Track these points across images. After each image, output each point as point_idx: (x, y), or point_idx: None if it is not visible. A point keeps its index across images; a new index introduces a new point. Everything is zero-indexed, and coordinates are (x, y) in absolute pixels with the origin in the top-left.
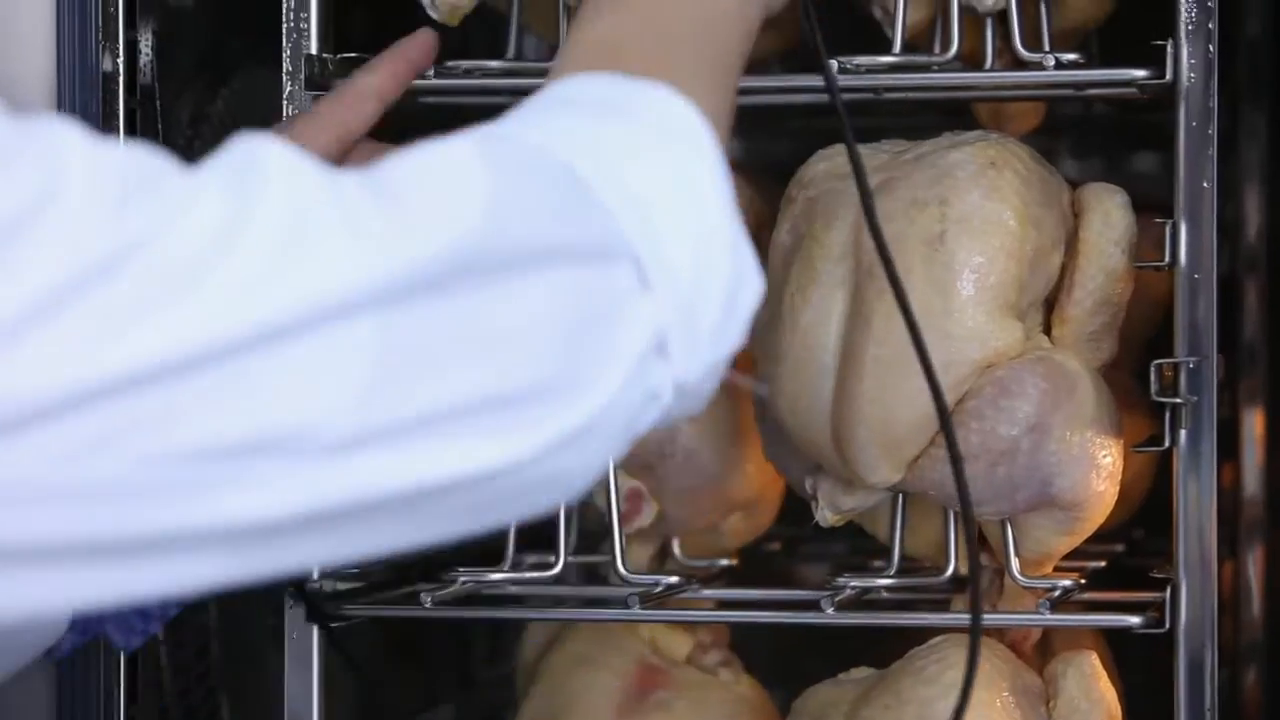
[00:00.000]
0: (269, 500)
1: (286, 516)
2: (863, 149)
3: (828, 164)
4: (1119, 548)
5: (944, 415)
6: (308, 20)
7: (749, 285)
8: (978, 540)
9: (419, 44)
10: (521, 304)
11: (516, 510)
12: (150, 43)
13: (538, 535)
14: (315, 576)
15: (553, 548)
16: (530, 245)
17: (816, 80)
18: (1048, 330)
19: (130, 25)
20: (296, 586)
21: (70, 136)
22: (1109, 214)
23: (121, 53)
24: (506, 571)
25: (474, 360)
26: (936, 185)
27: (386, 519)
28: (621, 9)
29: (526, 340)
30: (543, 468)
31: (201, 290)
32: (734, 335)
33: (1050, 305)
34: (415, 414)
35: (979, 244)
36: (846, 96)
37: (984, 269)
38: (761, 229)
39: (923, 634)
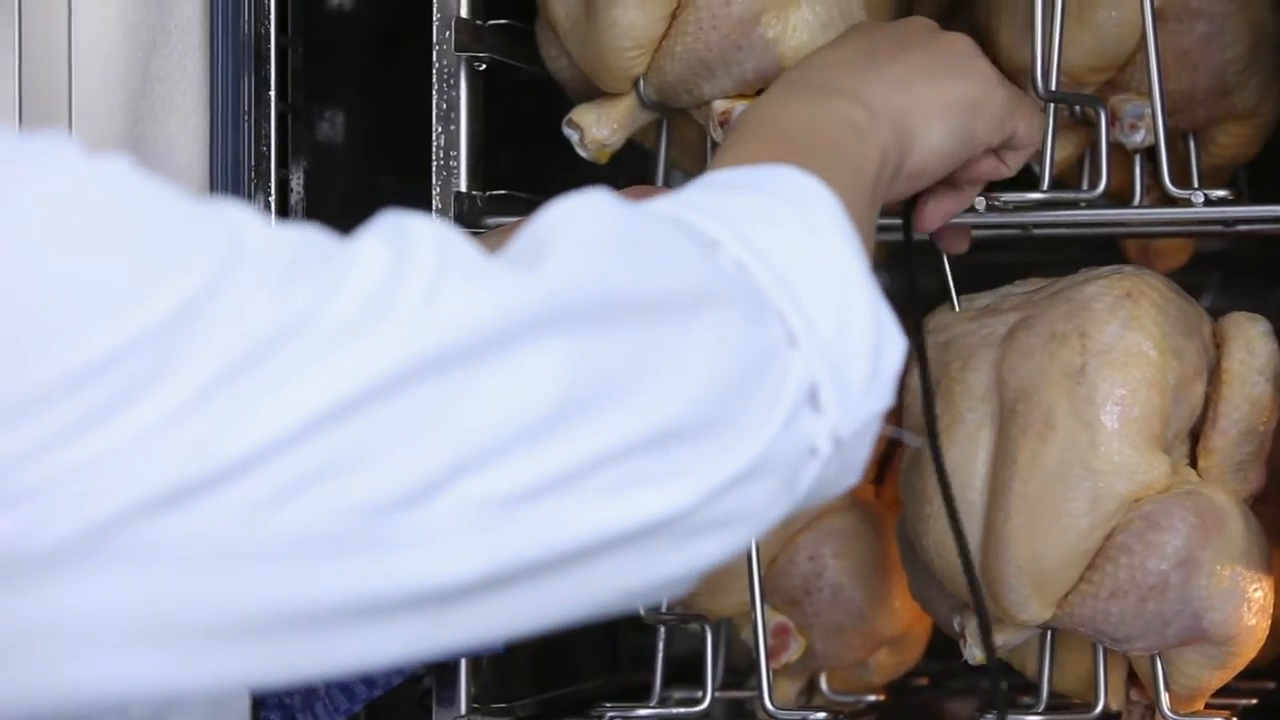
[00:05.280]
0: (451, 556)
1: (468, 575)
2: (994, 292)
3: (956, 312)
4: (1270, 685)
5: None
6: (457, 158)
7: (892, 343)
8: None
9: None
10: (674, 344)
11: (685, 562)
12: (301, 180)
13: (684, 671)
14: (463, 711)
15: (699, 683)
16: (672, 290)
17: None
18: (1193, 462)
19: (282, 164)
20: None
21: (245, 219)
22: (1251, 342)
23: (274, 190)
24: (653, 708)
25: (639, 396)
26: (1074, 318)
27: (563, 578)
28: (755, 140)
29: (685, 378)
30: (709, 512)
31: (369, 337)
32: (883, 392)
33: (1195, 437)
34: (592, 453)
35: (1121, 376)
36: (996, 233)
37: (1127, 401)
38: None
39: None
